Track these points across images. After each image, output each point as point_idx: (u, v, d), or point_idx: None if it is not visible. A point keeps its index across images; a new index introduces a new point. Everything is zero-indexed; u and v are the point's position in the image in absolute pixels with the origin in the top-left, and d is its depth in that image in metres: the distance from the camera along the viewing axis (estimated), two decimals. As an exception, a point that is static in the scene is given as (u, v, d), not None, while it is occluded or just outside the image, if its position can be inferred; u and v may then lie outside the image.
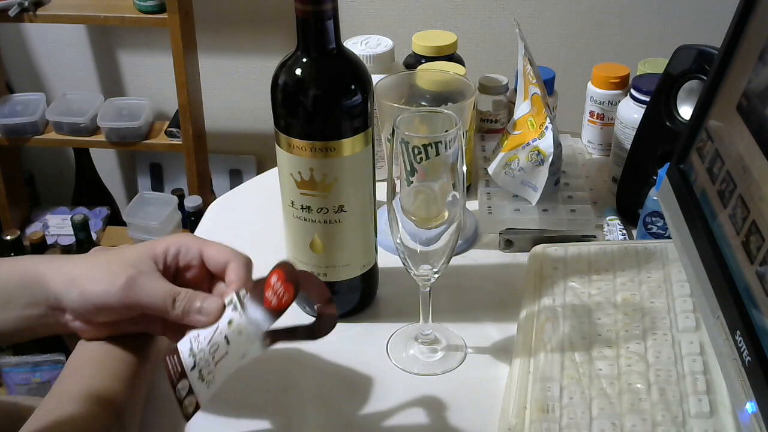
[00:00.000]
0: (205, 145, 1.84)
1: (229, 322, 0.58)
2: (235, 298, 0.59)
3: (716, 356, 0.61)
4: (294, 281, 0.57)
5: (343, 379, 0.69)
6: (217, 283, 0.64)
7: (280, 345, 0.58)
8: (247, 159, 2.05)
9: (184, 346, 0.60)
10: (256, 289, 0.59)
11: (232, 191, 1.00)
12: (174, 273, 0.64)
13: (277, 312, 0.57)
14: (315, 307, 0.60)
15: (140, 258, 0.62)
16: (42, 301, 0.61)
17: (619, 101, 0.95)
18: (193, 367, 0.58)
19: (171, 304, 0.60)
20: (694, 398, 0.60)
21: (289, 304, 0.57)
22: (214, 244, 0.64)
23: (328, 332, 0.59)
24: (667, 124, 0.83)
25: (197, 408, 0.57)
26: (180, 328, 0.62)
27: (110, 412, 0.57)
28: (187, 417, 0.57)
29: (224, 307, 0.60)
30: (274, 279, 0.58)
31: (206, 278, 0.64)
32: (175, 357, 0.59)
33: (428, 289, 0.68)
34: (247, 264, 0.62)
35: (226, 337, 0.58)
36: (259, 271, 0.64)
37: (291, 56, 0.66)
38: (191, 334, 0.60)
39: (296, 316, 0.63)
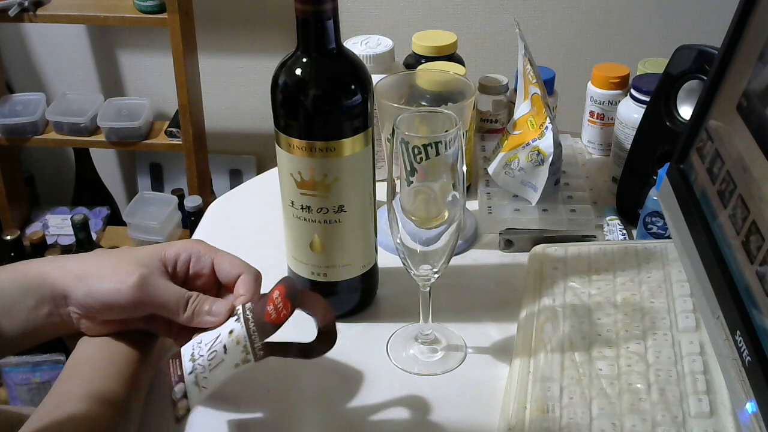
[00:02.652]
0: (205, 145, 1.84)
1: (230, 332, 0.59)
2: (240, 310, 0.60)
3: (716, 356, 0.61)
4: (292, 298, 0.58)
5: (343, 378, 0.69)
6: (226, 295, 0.64)
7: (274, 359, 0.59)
8: (247, 159, 2.05)
9: (186, 350, 0.61)
10: (260, 302, 0.60)
11: (232, 191, 1.00)
12: (183, 279, 0.64)
13: (274, 326, 0.58)
14: (317, 327, 0.60)
15: (151, 259, 0.62)
16: (48, 299, 0.61)
17: (619, 101, 0.95)
18: (191, 372, 0.59)
19: (183, 306, 0.60)
20: (694, 398, 0.60)
21: (285, 319, 0.58)
22: (227, 255, 0.64)
23: (323, 353, 0.60)
24: (667, 124, 0.83)
25: (188, 411, 0.58)
26: (185, 331, 0.62)
27: (110, 411, 0.57)
28: (178, 419, 0.58)
29: (233, 309, 0.61)
30: (276, 294, 0.60)
31: (214, 287, 0.65)
32: (177, 361, 0.60)
33: (428, 289, 0.68)
34: (258, 278, 0.63)
35: (224, 346, 0.59)
36: (261, 273, 0.64)
37: (291, 56, 0.66)
38: (194, 340, 0.61)
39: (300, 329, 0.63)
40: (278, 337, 0.59)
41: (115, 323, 0.62)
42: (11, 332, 0.61)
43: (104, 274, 0.60)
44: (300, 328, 0.60)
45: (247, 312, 0.60)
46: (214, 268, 0.64)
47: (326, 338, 0.59)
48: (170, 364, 0.60)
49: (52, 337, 0.63)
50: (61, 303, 0.61)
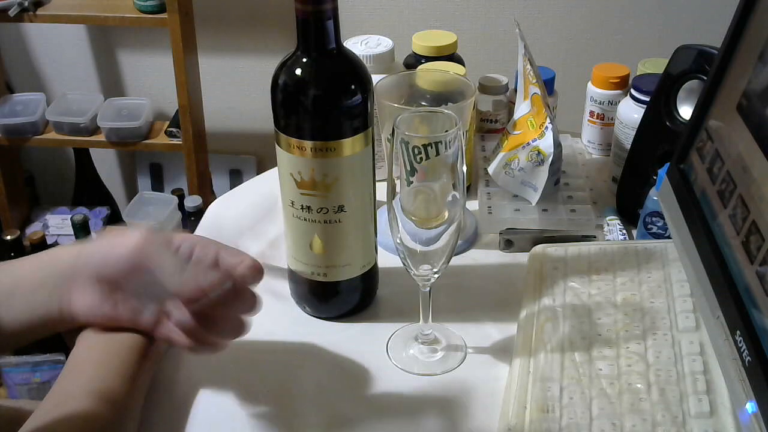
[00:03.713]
0: (205, 145, 1.84)
1: None
2: None
3: (716, 356, 0.61)
4: None
5: (343, 379, 0.69)
6: None
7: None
8: (247, 159, 2.05)
9: None
10: None
11: (232, 191, 1.00)
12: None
13: None
14: None
15: (157, 233, 0.63)
16: (53, 275, 0.63)
17: (619, 101, 0.95)
18: None
19: (180, 272, 0.60)
20: (694, 398, 0.61)
21: None
22: (232, 249, 0.64)
23: None
24: (667, 124, 0.83)
25: None
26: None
27: (110, 410, 0.57)
28: None
29: (227, 276, 0.61)
30: None
31: None
32: None
33: (428, 289, 0.68)
34: (258, 267, 0.63)
35: None
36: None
37: (291, 56, 0.66)
38: None
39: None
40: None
41: (108, 301, 0.62)
42: (11, 317, 0.62)
43: (108, 241, 0.64)
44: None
45: None
46: (217, 260, 0.64)
47: None
48: None
49: (50, 332, 0.64)
50: (67, 277, 0.62)
